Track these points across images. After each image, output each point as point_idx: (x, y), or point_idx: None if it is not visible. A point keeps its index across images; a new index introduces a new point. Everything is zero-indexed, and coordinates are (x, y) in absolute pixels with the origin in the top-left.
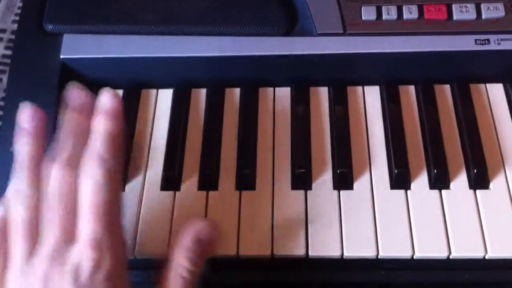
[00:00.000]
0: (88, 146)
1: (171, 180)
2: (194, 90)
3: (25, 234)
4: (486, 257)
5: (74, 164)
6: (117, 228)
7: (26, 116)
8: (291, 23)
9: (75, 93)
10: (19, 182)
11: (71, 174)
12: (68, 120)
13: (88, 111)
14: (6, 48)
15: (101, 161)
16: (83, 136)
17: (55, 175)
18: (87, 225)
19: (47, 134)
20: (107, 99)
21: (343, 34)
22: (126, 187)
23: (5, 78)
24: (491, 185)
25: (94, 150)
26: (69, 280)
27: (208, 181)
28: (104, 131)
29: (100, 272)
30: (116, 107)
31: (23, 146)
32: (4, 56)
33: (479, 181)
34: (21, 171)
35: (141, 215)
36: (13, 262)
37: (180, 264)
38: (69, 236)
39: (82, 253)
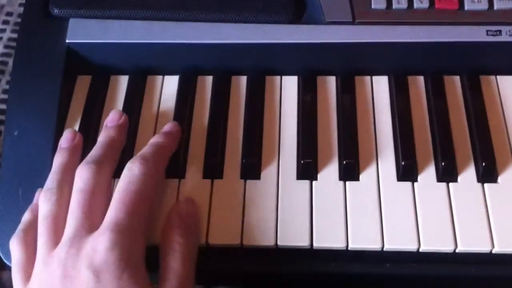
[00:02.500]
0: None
1: (176, 167)
2: (200, 77)
3: (49, 227)
4: (493, 251)
5: (101, 165)
6: (141, 218)
7: (65, 137)
8: (300, 10)
9: (114, 115)
10: (50, 183)
11: (97, 172)
12: (102, 135)
13: (123, 129)
14: (13, 31)
15: (143, 161)
16: (113, 146)
17: (81, 172)
18: (112, 211)
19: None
20: (171, 125)
21: (352, 22)
22: None
23: (11, 61)
24: (499, 179)
25: (142, 153)
26: (84, 263)
27: (213, 169)
28: (156, 143)
29: (114, 253)
30: (175, 132)
31: (57, 158)
32: (10, 39)
33: (487, 174)
34: (53, 175)
35: None
36: (38, 253)
37: (170, 240)
38: (91, 226)
39: (100, 236)
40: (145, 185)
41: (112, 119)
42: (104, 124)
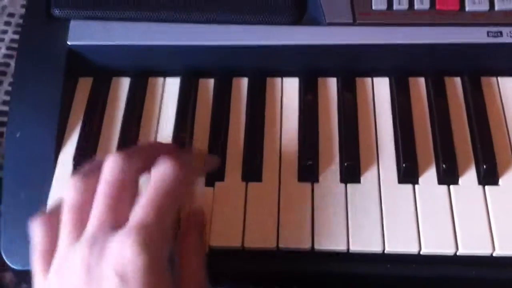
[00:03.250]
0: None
1: None
2: (201, 79)
3: (73, 217)
4: (494, 254)
5: (131, 155)
6: (169, 222)
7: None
8: (300, 12)
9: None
10: (80, 171)
11: (128, 164)
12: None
13: None
14: (15, 32)
15: (173, 161)
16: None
17: (110, 162)
18: (140, 211)
19: None
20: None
21: (353, 23)
22: None
23: (13, 63)
24: (500, 181)
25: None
26: (110, 265)
27: (216, 173)
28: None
29: (142, 259)
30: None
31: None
32: (12, 40)
33: (488, 176)
34: (83, 168)
35: None
36: (60, 244)
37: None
38: (115, 221)
39: (127, 238)
40: (174, 184)
41: None
42: None
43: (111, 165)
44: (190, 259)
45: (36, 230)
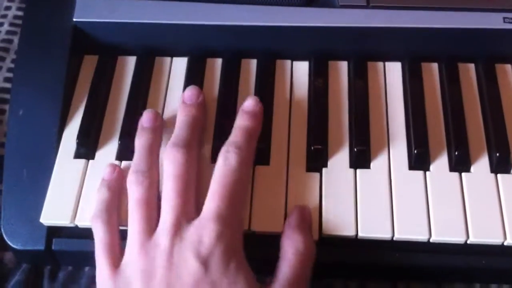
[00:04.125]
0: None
1: None
2: (209, 60)
3: (144, 213)
4: (505, 243)
5: (191, 147)
6: (239, 208)
7: (147, 117)
8: None
9: (192, 92)
10: (139, 165)
11: (188, 155)
12: (183, 113)
13: (203, 107)
14: (18, 9)
15: (238, 150)
16: (198, 126)
17: (172, 155)
18: (213, 202)
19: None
20: (252, 102)
21: (366, 6)
22: None
23: (16, 39)
24: None
25: (234, 140)
26: (191, 253)
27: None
28: (244, 127)
29: (220, 245)
30: (259, 111)
31: (141, 138)
32: (16, 17)
33: (501, 165)
34: (141, 156)
35: None
36: (133, 239)
37: (291, 252)
38: (188, 212)
39: (204, 227)
40: (242, 174)
41: (189, 96)
42: (182, 101)
43: (176, 159)
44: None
45: (98, 229)
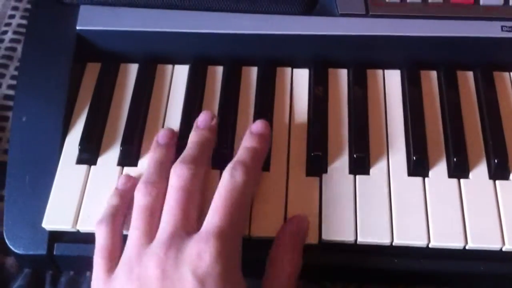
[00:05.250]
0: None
1: None
2: (210, 67)
3: (146, 221)
4: (503, 249)
5: (198, 165)
6: (241, 226)
7: (164, 134)
8: (312, 2)
9: (206, 116)
10: (150, 176)
11: (195, 171)
12: (196, 135)
13: (215, 130)
14: (22, 17)
15: (245, 169)
16: (208, 146)
17: (180, 170)
18: (216, 217)
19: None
20: (261, 124)
21: (366, 15)
22: None
23: (20, 47)
24: (511, 176)
25: (241, 159)
26: (188, 268)
27: (223, 160)
28: (252, 148)
29: (219, 263)
30: (267, 134)
31: (155, 153)
32: (19, 25)
33: (499, 171)
34: (153, 168)
35: None
36: (131, 245)
37: (284, 257)
38: (189, 226)
39: (205, 241)
40: (246, 193)
41: (204, 119)
42: (195, 124)
43: (183, 174)
44: (283, 268)
45: (101, 233)
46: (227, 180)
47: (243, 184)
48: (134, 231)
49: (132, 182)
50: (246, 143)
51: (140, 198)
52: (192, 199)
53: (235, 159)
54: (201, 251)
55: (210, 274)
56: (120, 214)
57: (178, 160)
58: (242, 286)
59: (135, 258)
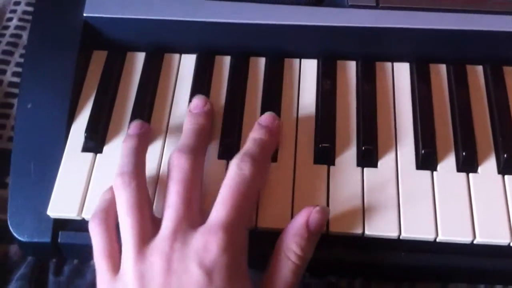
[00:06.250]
0: (208, 141)
1: None
2: (217, 57)
3: (138, 216)
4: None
5: (196, 154)
6: (247, 219)
7: (134, 126)
8: None
9: (198, 101)
10: (124, 166)
11: (194, 161)
12: (190, 122)
13: (210, 116)
14: (27, 4)
15: (253, 161)
16: (204, 134)
17: (177, 161)
18: (223, 210)
19: None
20: (269, 116)
21: (376, 7)
22: None
23: (25, 34)
24: None
25: (249, 151)
26: (194, 260)
27: (229, 150)
28: (260, 140)
29: (226, 256)
30: (276, 127)
31: (127, 143)
32: (25, 12)
33: (508, 166)
34: (126, 158)
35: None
36: (130, 244)
37: (290, 248)
38: (192, 218)
39: (212, 234)
40: (253, 186)
41: (196, 105)
42: (188, 110)
43: (181, 165)
44: (283, 266)
45: (96, 231)
46: (235, 172)
47: (251, 176)
48: (127, 230)
49: None
50: (254, 134)
51: (121, 193)
52: (194, 191)
53: (242, 150)
54: (207, 243)
55: (217, 265)
56: (112, 209)
57: (174, 150)
58: (248, 279)
59: (136, 258)
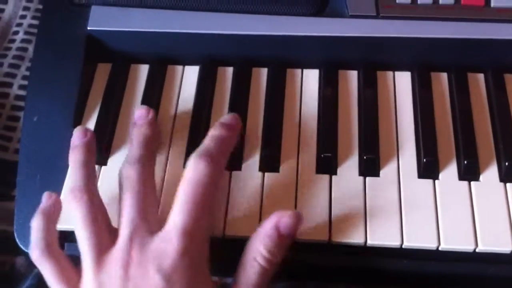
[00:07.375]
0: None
1: None
2: (220, 68)
3: (90, 228)
4: None
5: (143, 164)
6: (206, 221)
7: (76, 135)
8: (323, 3)
9: (141, 112)
10: (74, 181)
11: (142, 171)
12: (135, 133)
13: (154, 125)
14: (33, 18)
15: (209, 159)
16: (149, 143)
17: (126, 173)
18: (180, 215)
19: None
20: (231, 116)
21: (376, 16)
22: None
23: (31, 48)
24: None
25: (206, 148)
26: (153, 265)
27: (232, 161)
28: (218, 136)
29: (185, 261)
30: (236, 124)
31: (74, 155)
32: (31, 25)
33: (510, 174)
34: (74, 171)
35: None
36: (85, 258)
37: (258, 250)
38: (148, 226)
39: (169, 240)
40: (211, 185)
41: (140, 115)
42: (133, 121)
43: (130, 176)
44: (250, 269)
45: (44, 264)
46: (191, 174)
47: (207, 176)
48: (83, 243)
49: (53, 198)
50: (212, 132)
51: (75, 207)
52: (147, 199)
53: (199, 148)
54: (165, 248)
55: (176, 270)
56: (50, 234)
57: (122, 163)
58: (210, 283)
59: (95, 269)
